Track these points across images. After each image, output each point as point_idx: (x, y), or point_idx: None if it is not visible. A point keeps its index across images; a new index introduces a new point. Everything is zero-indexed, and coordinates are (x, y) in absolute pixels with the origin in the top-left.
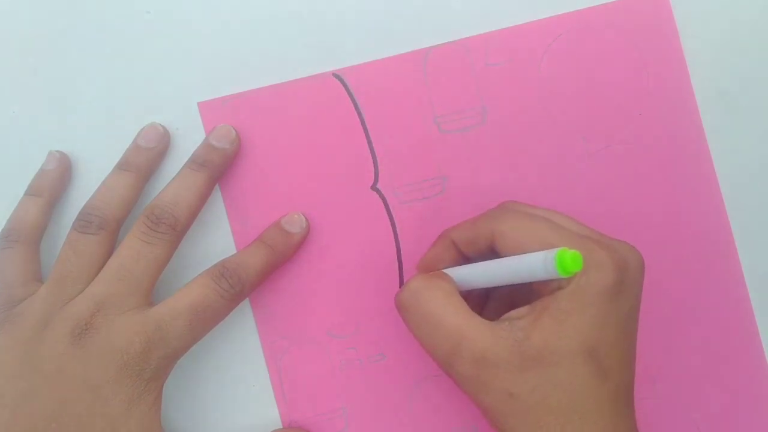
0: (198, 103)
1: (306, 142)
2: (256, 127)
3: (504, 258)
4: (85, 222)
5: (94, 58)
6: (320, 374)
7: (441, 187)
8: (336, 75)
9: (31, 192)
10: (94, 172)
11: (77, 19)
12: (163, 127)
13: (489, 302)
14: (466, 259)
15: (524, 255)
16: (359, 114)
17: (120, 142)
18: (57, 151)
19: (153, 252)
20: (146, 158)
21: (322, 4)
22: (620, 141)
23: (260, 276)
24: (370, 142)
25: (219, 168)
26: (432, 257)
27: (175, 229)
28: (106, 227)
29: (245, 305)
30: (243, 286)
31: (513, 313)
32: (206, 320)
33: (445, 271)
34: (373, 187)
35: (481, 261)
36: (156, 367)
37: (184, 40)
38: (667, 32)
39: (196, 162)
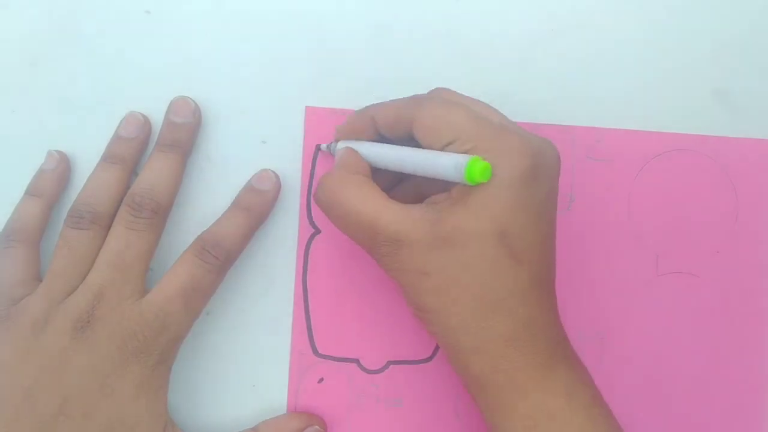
0: (306, 107)
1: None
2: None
3: (418, 150)
4: (77, 218)
5: (94, 58)
6: (335, 398)
7: None
8: None
9: (31, 192)
10: None
11: (77, 18)
12: (143, 115)
13: (403, 182)
14: (383, 138)
15: (437, 154)
16: None
17: None
18: (56, 150)
19: (141, 238)
20: (129, 148)
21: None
22: (690, 270)
23: (242, 241)
24: None
25: (187, 143)
26: (349, 129)
27: (158, 213)
28: (98, 221)
29: (287, 311)
30: (227, 254)
31: (432, 197)
32: (199, 297)
33: (359, 145)
34: None
35: (398, 145)
36: (162, 351)
37: (184, 40)
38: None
39: (164, 144)
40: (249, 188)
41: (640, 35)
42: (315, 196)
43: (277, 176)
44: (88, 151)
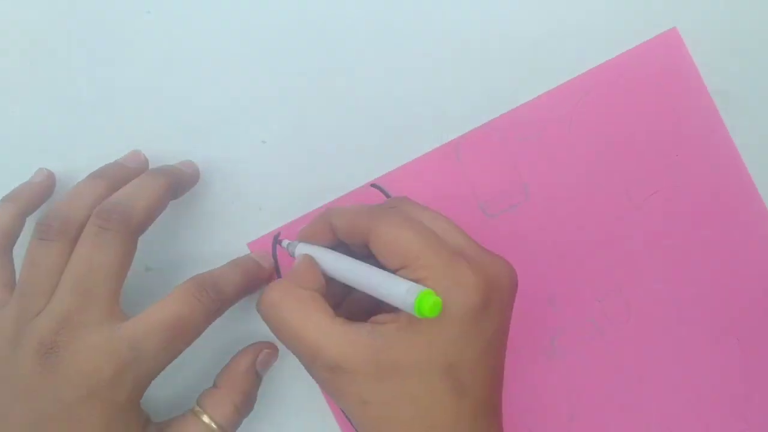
0: (248, 244)
1: None
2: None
3: (372, 271)
4: (44, 227)
5: (93, 58)
6: None
7: None
8: (374, 185)
9: (7, 198)
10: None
11: (77, 19)
12: (144, 155)
13: (355, 291)
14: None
15: (390, 281)
16: None
17: (119, 142)
18: (45, 169)
19: (106, 257)
20: (120, 172)
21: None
22: (663, 186)
23: (240, 291)
24: None
25: (177, 179)
26: (310, 232)
27: (128, 227)
28: (67, 233)
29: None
30: (225, 298)
31: (378, 317)
32: (183, 337)
33: (319, 252)
34: None
35: (357, 251)
36: (130, 389)
37: (184, 40)
38: (686, 69)
39: (156, 169)
40: (253, 262)
41: (640, 37)
42: (257, 307)
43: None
44: (88, 151)
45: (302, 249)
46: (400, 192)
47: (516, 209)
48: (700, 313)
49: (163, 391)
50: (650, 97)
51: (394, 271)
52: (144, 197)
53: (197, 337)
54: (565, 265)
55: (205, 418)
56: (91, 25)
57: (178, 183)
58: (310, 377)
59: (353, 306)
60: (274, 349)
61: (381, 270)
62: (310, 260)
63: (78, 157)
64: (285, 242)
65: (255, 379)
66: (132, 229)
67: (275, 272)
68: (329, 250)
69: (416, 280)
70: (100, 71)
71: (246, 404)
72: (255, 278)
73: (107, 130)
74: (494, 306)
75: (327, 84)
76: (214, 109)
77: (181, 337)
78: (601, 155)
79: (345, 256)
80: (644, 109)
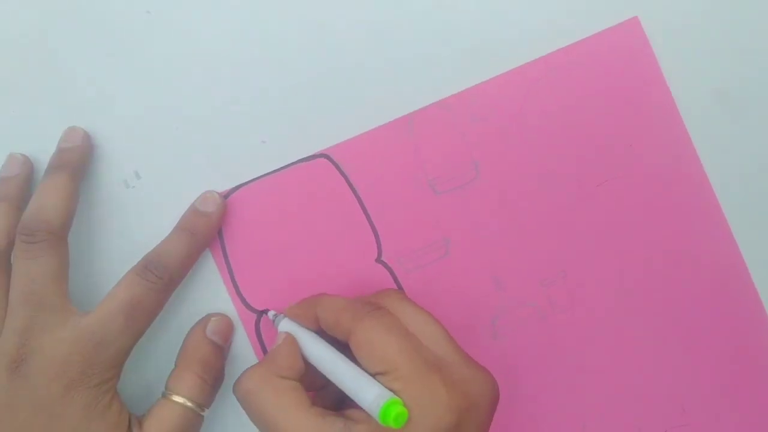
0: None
1: (306, 226)
2: (256, 218)
3: (349, 368)
4: None
5: (93, 58)
6: None
7: (445, 249)
8: (324, 155)
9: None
10: (94, 173)
11: (77, 19)
12: (23, 155)
13: None
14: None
15: (363, 382)
16: (353, 189)
17: (119, 141)
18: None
19: (43, 265)
20: (13, 187)
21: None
22: (614, 175)
23: (185, 262)
24: (368, 216)
25: (77, 164)
26: (295, 314)
27: (53, 233)
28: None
29: None
30: (170, 274)
31: (353, 413)
32: (140, 317)
33: (302, 333)
34: (378, 260)
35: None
36: (101, 371)
37: (183, 40)
38: (645, 59)
39: (51, 167)
40: (192, 210)
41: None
42: (234, 390)
43: (221, 198)
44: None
45: (286, 326)
46: (350, 162)
47: (465, 188)
48: (644, 306)
49: (142, 391)
50: (607, 86)
51: (372, 374)
52: (56, 203)
53: (158, 313)
54: (512, 246)
55: (175, 398)
56: (91, 24)
57: (79, 166)
58: None
59: (332, 392)
60: (224, 317)
61: (356, 368)
62: (292, 343)
63: None
64: (271, 313)
65: (211, 347)
66: (57, 234)
67: (233, 285)
68: (312, 334)
69: (392, 389)
70: (100, 71)
71: (208, 372)
72: (202, 235)
73: (106, 131)
74: (468, 426)
75: (329, 84)
76: (213, 109)
77: (137, 318)
78: (554, 140)
79: (326, 344)
80: (600, 97)
